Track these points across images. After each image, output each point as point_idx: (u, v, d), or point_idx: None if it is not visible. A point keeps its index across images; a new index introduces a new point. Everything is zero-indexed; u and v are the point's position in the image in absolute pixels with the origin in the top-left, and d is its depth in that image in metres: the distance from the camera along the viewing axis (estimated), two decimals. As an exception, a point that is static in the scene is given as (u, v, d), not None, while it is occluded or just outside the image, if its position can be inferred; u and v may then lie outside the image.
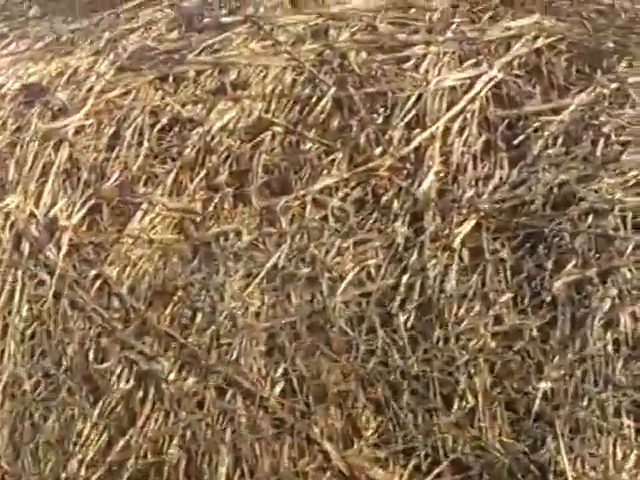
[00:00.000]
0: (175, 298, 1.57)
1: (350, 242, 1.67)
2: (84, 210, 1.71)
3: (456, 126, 1.95)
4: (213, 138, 1.86)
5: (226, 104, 1.96)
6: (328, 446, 1.41)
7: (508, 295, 1.55)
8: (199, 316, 1.55)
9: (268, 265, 1.61)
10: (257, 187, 1.74)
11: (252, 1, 2.38)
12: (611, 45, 2.14)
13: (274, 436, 1.43)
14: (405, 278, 1.61)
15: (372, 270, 1.63)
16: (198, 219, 1.70)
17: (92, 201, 1.72)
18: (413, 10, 2.35)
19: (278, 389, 1.45)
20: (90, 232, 1.67)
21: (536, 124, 1.93)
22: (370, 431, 1.43)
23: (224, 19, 2.29)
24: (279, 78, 2.07)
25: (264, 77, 2.07)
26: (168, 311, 1.57)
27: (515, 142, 1.90)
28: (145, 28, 2.25)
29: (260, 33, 2.23)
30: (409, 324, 1.53)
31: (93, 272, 1.61)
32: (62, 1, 2.61)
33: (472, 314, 1.52)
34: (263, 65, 2.09)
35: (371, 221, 1.73)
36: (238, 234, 1.67)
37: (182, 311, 1.57)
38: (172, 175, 1.78)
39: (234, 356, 1.48)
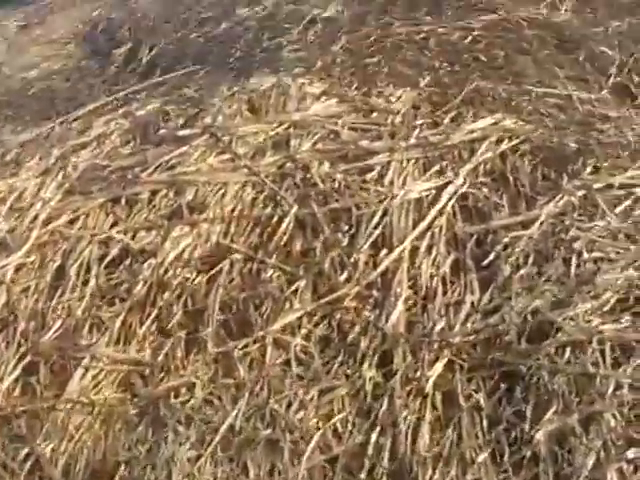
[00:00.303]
0: (116, 479, 1.38)
1: (315, 392, 1.51)
2: (18, 370, 1.51)
3: (424, 245, 1.82)
4: (167, 271, 1.71)
5: (182, 230, 1.80)
6: None
7: (486, 453, 1.38)
8: (142, 503, 1.36)
9: (223, 428, 1.44)
10: (213, 329, 1.57)
11: (210, 109, 2.24)
12: (574, 145, 2.03)
13: None
14: (375, 435, 1.44)
15: (339, 426, 1.46)
16: (147, 371, 1.53)
17: (28, 358, 1.53)
18: (375, 114, 2.23)
19: None
20: (24, 397, 1.48)
21: (505, 240, 1.79)
22: None
23: (181, 132, 2.14)
24: (239, 196, 1.92)
25: (223, 196, 1.92)
26: (106, 499, 1.38)
27: (485, 262, 1.76)
28: (97, 142, 2.11)
29: (219, 145, 2.09)
30: (379, 498, 1.36)
31: (25, 451, 1.41)
32: (13, 107, 2.47)
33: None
34: (222, 182, 1.95)
35: (337, 364, 1.57)
36: (191, 389, 1.50)
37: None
38: (120, 319, 1.61)
39: None
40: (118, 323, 1.60)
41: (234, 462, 1.40)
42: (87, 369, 1.56)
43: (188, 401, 1.49)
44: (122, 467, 1.39)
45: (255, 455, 1.40)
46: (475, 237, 1.83)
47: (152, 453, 1.40)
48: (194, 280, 1.70)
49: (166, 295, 1.66)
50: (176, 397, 1.49)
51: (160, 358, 1.55)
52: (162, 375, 1.54)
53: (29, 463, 1.40)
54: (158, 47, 2.72)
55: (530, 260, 1.75)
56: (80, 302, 1.63)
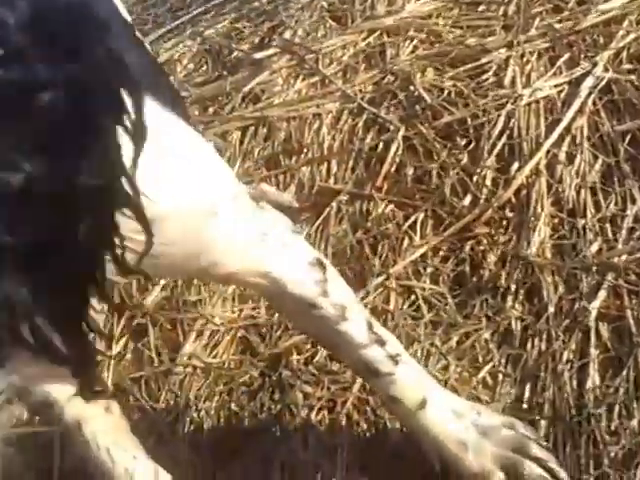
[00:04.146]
0: (242, 452, 1.31)
1: (454, 339, 1.38)
2: (126, 335, 1.43)
3: (563, 151, 1.64)
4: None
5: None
6: None
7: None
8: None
9: (355, 386, 1.34)
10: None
11: (288, 22, 2.11)
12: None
13: None
14: (529, 385, 1.30)
15: (488, 378, 1.34)
16: (264, 330, 1.44)
17: (136, 321, 1.42)
18: (481, 6, 2.04)
19: None
20: (136, 364, 1.39)
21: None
22: None
23: (259, 54, 2.03)
24: (336, 127, 1.79)
25: (318, 129, 1.79)
26: None
27: (645, 164, 1.57)
28: (167, 68, 2.01)
29: (304, 67, 1.97)
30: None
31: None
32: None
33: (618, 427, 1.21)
34: (315, 113, 1.82)
35: (475, 304, 1.43)
36: (314, 345, 1.42)
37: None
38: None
39: None
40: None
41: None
42: (201, 331, 1.50)
43: (312, 358, 1.41)
44: (249, 438, 1.33)
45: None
46: (629, 135, 1.64)
47: (282, 420, 1.34)
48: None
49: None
50: (299, 354, 1.41)
51: (276, 316, 1.48)
52: (279, 333, 1.48)
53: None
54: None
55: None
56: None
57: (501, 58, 1.86)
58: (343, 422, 1.31)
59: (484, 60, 1.86)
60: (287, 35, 2.08)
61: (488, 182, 1.62)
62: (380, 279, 1.49)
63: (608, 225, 1.50)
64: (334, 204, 1.64)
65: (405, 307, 1.45)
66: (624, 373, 1.28)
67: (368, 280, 1.50)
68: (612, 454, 1.19)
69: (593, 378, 1.29)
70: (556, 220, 1.53)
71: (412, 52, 1.93)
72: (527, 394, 1.30)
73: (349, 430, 1.30)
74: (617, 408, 1.23)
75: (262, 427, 1.32)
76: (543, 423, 1.25)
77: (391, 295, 1.47)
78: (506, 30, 1.94)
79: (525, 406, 1.29)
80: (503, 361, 1.34)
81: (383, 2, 2.11)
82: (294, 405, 1.32)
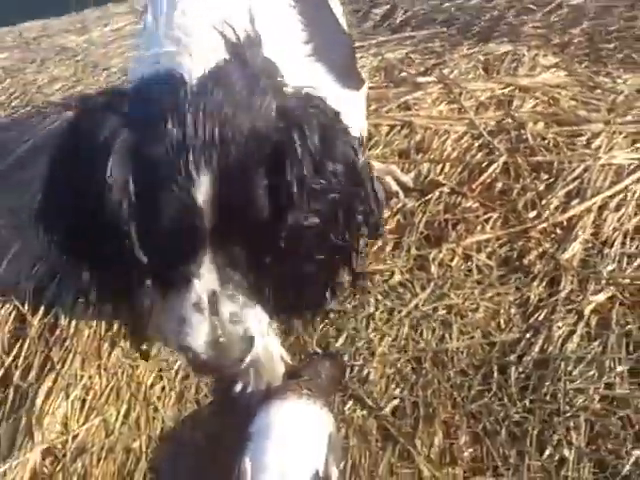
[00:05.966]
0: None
1: (488, 295, 1.99)
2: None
3: (614, 203, 2.20)
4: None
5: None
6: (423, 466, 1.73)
7: (625, 367, 1.78)
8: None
9: (410, 305, 1.98)
10: (416, 238, 2.12)
11: (449, 63, 2.76)
12: None
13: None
14: (529, 334, 1.89)
15: (501, 322, 1.93)
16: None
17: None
18: (598, 90, 2.61)
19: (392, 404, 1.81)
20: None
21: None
22: (465, 459, 1.73)
23: (420, 78, 2.70)
24: (457, 143, 2.42)
25: (444, 141, 2.43)
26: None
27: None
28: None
29: (450, 96, 2.61)
30: (523, 376, 1.82)
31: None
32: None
33: (586, 377, 1.77)
34: (446, 129, 2.46)
35: (511, 279, 2.03)
36: (391, 274, 2.07)
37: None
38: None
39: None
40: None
41: (413, 328, 1.94)
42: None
43: (387, 281, 2.06)
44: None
45: (430, 325, 1.93)
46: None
47: (357, 310, 1.99)
48: (407, 204, 2.26)
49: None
50: (380, 276, 2.06)
51: (374, 249, 2.12)
52: (370, 261, 2.11)
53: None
54: (412, 10, 3.32)
55: None
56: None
57: (597, 130, 2.44)
58: (395, 322, 1.95)
59: (584, 127, 2.45)
60: (445, 71, 2.73)
61: (552, 207, 2.21)
62: (452, 245, 2.12)
63: (626, 259, 2.06)
64: (437, 192, 2.28)
65: (462, 267, 2.06)
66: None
67: (443, 243, 2.12)
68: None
69: (574, 344, 1.87)
70: (590, 244, 2.10)
71: (533, 107, 2.55)
72: (528, 336, 1.91)
73: (397, 330, 1.94)
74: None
75: (343, 311, 1.99)
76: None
77: (455, 257, 2.10)
78: (609, 112, 2.52)
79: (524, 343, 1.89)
80: (518, 317, 1.94)
81: (526, 67, 2.74)
82: (367, 303, 1.99)
